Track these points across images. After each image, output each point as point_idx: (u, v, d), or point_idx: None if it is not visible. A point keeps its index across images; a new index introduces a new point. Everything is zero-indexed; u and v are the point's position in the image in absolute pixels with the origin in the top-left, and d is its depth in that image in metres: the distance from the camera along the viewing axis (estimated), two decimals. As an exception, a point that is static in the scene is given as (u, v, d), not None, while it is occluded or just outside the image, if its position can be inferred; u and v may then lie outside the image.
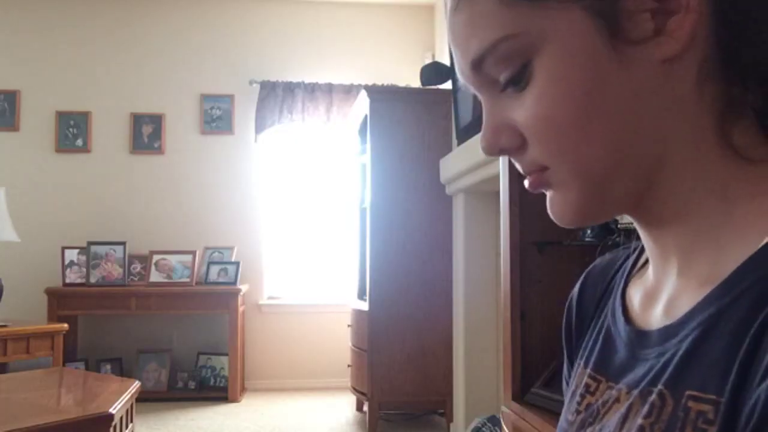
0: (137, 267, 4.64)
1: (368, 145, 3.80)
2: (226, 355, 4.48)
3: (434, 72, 3.52)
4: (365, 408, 3.79)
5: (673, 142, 0.42)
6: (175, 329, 4.72)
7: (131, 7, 4.88)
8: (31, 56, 4.79)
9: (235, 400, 4.35)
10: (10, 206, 4.01)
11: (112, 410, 2.14)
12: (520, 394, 1.86)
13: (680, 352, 0.39)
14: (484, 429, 2.71)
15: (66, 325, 3.82)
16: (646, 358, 0.43)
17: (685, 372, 0.38)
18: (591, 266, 0.60)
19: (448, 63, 3.29)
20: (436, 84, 3.59)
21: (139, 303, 4.38)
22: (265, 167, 4.96)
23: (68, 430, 2.01)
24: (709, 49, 0.40)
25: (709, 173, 0.42)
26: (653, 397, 0.40)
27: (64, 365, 3.83)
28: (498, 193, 2.04)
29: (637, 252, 0.54)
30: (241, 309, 4.55)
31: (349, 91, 4.85)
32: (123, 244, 4.54)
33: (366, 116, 3.90)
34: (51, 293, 4.30)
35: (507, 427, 1.89)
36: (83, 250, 4.50)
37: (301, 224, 5.04)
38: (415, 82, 4.04)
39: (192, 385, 4.47)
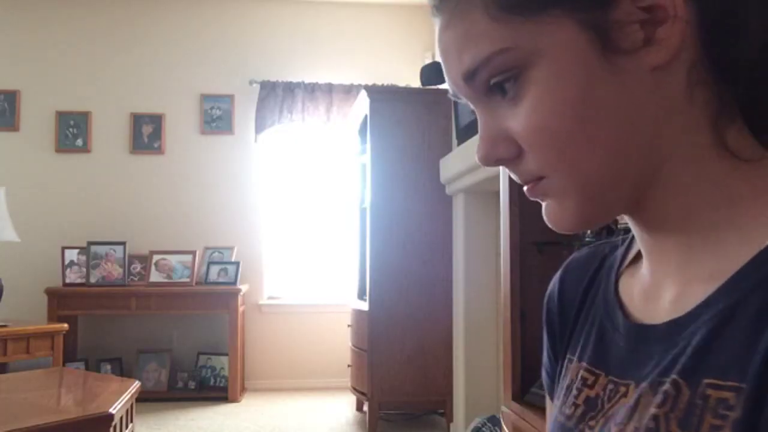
0: (137, 267, 4.64)
1: (368, 145, 3.80)
2: (226, 355, 4.48)
3: (434, 72, 3.52)
4: (365, 408, 3.79)
5: (668, 147, 0.43)
6: (175, 329, 4.72)
7: (131, 7, 4.88)
8: (31, 56, 4.79)
9: (235, 400, 4.35)
10: (10, 206, 4.01)
11: (112, 410, 2.14)
12: (520, 394, 1.86)
13: (694, 343, 0.39)
14: (484, 429, 2.72)
15: (66, 325, 3.82)
16: (651, 352, 0.43)
17: (702, 361, 0.39)
18: (568, 260, 0.60)
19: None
20: (436, 84, 3.58)
21: (139, 303, 4.38)
22: (265, 167, 4.96)
23: (68, 430, 2.01)
24: (697, 54, 0.41)
25: (708, 174, 0.42)
26: (666, 386, 0.40)
27: (64, 365, 3.83)
28: (498, 193, 2.04)
29: (625, 246, 0.54)
30: (241, 309, 4.55)
31: (349, 91, 4.85)
32: (123, 244, 4.54)
33: (366, 116, 3.90)
34: (51, 293, 4.30)
35: (507, 427, 1.89)
36: (83, 250, 4.50)
37: (300, 224, 5.04)
38: (415, 82, 4.05)
39: (192, 385, 4.47)
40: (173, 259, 4.58)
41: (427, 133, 3.78)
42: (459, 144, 3.14)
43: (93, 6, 4.85)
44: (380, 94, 3.87)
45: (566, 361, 0.54)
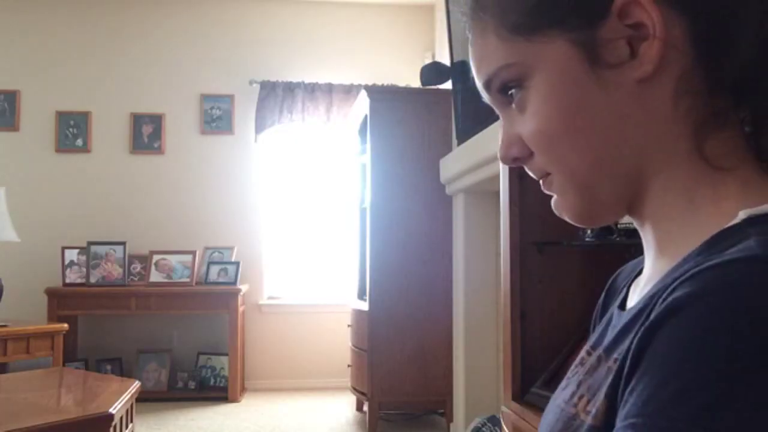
0: (137, 267, 4.64)
1: (368, 145, 3.80)
2: (226, 355, 4.48)
3: (434, 72, 3.52)
4: (365, 408, 3.79)
5: (649, 153, 0.47)
6: (175, 329, 4.72)
7: (131, 7, 4.89)
8: (31, 56, 4.79)
9: (235, 400, 4.35)
10: (10, 206, 4.02)
11: (112, 410, 2.15)
12: (520, 394, 1.86)
13: (620, 326, 0.47)
14: (484, 429, 2.72)
15: (66, 325, 3.82)
16: (613, 333, 0.49)
17: (616, 341, 0.46)
18: (621, 268, 0.66)
19: (448, 63, 3.29)
20: (436, 84, 3.59)
21: (139, 303, 4.38)
22: (265, 167, 4.96)
23: (68, 430, 2.01)
24: (687, 66, 0.45)
25: (679, 180, 0.47)
26: (593, 359, 0.49)
27: (64, 365, 3.83)
28: (498, 193, 2.04)
29: None
30: (241, 309, 4.55)
31: (349, 91, 4.86)
32: (123, 244, 4.54)
33: (366, 116, 3.90)
34: (51, 293, 4.30)
35: (507, 427, 1.89)
36: (83, 250, 4.50)
37: (300, 224, 5.04)
38: (415, 82, 4.04)
39: (192, 385, 4.47)
40: (173, 259, 4.58)
41: (427, 133, 3.78)
42: (459, 144, 3.14)
43: (93, 6, 4.85)
44: (380, 94, 3.88)
45: None
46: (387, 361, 3.66)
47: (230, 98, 4.92)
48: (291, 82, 4.86)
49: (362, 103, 3.98)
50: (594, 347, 0.53)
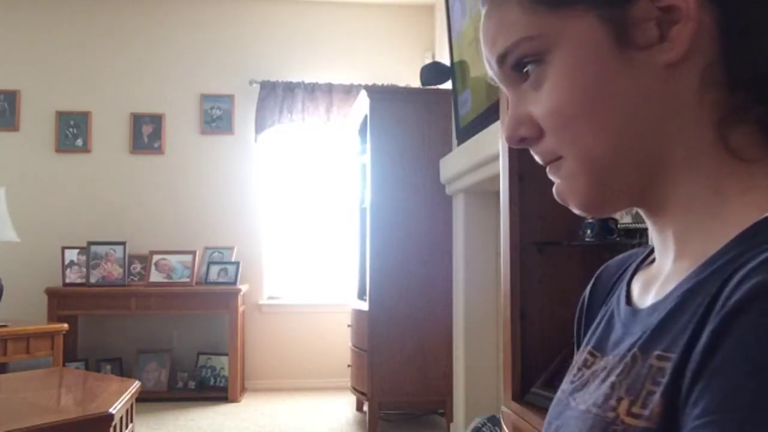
0: (137, 267, 4.64)
1: (368, 145, 3.80)
2: (226, 355, 4.48)
3: (434, 72, 3.52)
4: (365, 408, 3.79)
5: (672, 141, 0.45)
6: (175, 329, 4.72)
7: (131, 7, 4.89)
8: (31, 56, 4.79)
9: (235, 400, 4.35)
10: (10, 206, 4.01)
11: (112, 410, 2.15)
12: (520, 394, 1.86)
13: (656, 322, 0.44)
14: (484, 429, 2.72)
15: (66, 325, 3.82)
16: (633, 332, 0.47)
17: (656, 337, 0.43)
18: (605, 264, 0.64)
19: (448, 63, 3.29)
20: (436, 84, 3.59)
21: (139, 303, 4.38)
22: (265, 167, 4.96)
23: (68, 430, 2.01)
24: (714, 57, 0.44)
25: (704, 170, 0.45)
26: (627, 359, 0.45)
27: (64, 365, 3.83)
28: (498, 193, 2.04)
29: (649, 248, 0.58)
30: (241, 309, 4.55)
31: (349, 91, 4.86)
32: (123, 244, 4.54)
33: (366, 116, 3.90)
34: (51, 293, 4.30)
35: (507, 427, 1.89)
36: (83, 250, 4.50)
37: (300, 224, 5.04)
38: (415, 82, 4.05)
39: (192, 385, 4.47)
40: (173, 259, 4.58)
41: (427, 133, 3.78)
42: (459, 144, 3.14)
43: (93, 6, 4.85)
44: (380, 94, 3.88)
45: (581, 350, 0.58)
46: (387, 361, 3.66)
47: (230, 98, 4.92)
48: (291, 82, 4.86)
49: (362, 103, 3.98)
50: (599, 348, 0.52)
